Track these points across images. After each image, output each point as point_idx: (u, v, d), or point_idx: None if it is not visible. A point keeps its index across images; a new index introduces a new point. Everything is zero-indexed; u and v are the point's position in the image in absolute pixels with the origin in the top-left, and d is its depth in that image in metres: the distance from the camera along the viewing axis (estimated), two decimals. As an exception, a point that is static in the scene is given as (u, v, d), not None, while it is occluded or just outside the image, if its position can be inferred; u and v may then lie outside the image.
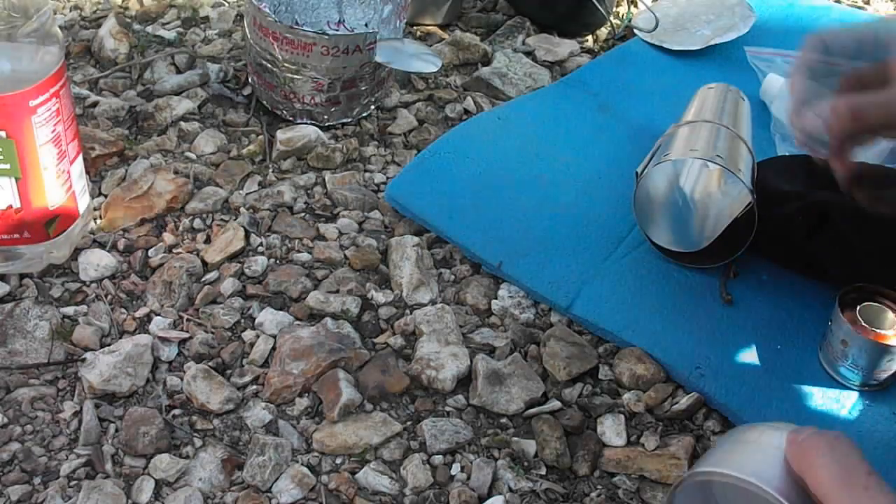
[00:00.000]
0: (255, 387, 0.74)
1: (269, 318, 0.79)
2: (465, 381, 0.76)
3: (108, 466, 0.67)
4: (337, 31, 1.12)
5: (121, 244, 0.85)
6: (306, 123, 1.01)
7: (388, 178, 0.97)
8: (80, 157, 0.81)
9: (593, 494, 0.70)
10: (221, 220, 0.89)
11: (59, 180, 0.77)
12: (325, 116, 1.02)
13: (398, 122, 1.05)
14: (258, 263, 0.84)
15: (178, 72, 1.08)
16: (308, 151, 0.98)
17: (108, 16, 1.14)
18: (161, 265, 0.83)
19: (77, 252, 0.83)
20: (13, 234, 0.77)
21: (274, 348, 0.77)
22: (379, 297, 0.83)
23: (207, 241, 0.87)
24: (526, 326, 0.82)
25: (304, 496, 0.67)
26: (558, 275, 0.85)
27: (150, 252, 0.85)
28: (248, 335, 0.78)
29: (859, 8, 1.48)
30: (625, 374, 0.77)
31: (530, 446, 0.72)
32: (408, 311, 0.82)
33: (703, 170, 0.91)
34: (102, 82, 1.06)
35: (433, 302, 0.83)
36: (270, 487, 0.67)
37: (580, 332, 0.81)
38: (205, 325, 0.79)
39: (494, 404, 0.74)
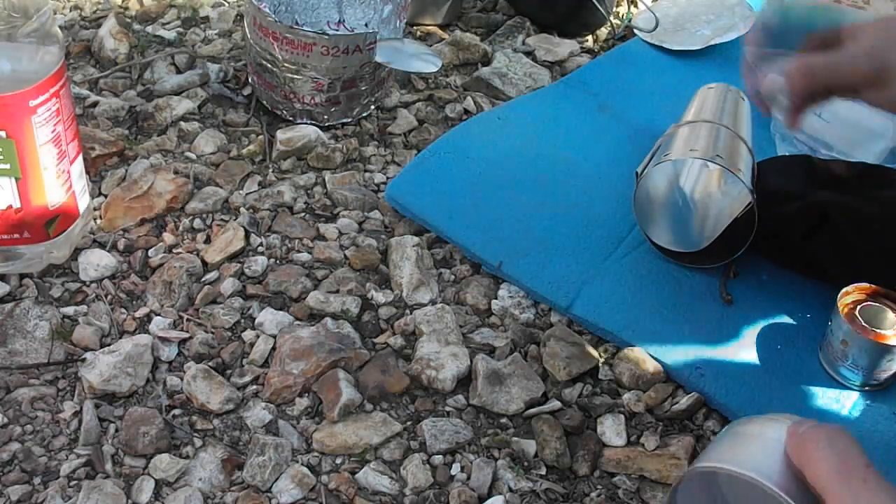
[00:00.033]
0: (255, 387, 0.74)
1: (269, 318, 0.79)
2: (465, 381, 0.76)
3: (108, 466, 0.67)
4: (337, 31, 1.12)
5: (121, 244, 0.85)
6: (306, 123, 1.01)
7: (388, 178, 0.97)
8: (80, 157, 0.81)
9: (593, 494, 0.70)
10: (221, 220, 0.89)
11: (59, 180, 0.77)
12: (325, 116, 1.02)
13: (398, 122, 1.05)
14: (258, 263, 0.84)
15: (178, 72, 1.08)
16: (308, 151, 0.98)
17: (108, 16, 1.14)
18: (161, 265, 0.83)
19: (77, 252, 0.83)
20: (13, 234, 0.77)
21: (274, 348, 0.77)
22: (379, 297, 0.83)
23: (207, 241, 0.87)
24: (526, 326, 0.82)
25: (304, 496, 0.67)
26: (558, 275, 0.85)
27: (150, 252, 0.85)
28: (248, 335, 0.78)
29: (859, 8, 1.48)
30: (625, 374, 0.77)
31: (530, 446, 0.72)
32: (408, 311, 0.82)
33: (703, 170, 0.91)
34: (102, 82, 1.06)
35: (433, 302, 0.83)
36: (270, 487, 0.67)
37: (580, 332, 0.81)
38: (205, 325, 0.79)
39: (494, 404, 0.74)
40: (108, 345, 0.76)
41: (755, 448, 0.42)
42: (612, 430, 0.73)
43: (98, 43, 1.10)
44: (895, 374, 0.76)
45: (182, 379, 0.74)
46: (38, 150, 0.74)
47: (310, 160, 0.98)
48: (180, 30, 1.17)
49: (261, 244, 0.87)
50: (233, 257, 0.85)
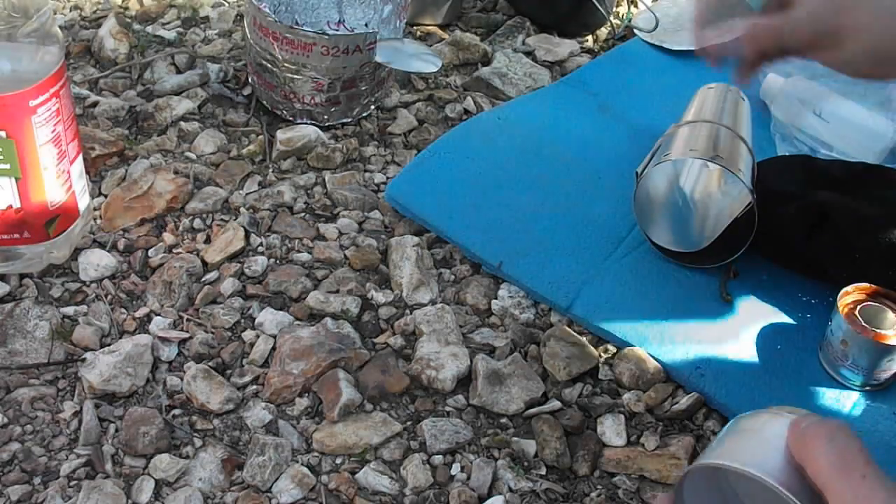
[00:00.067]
0: (255, 387, 0.74)
1: (269, 318, 0.79)
2: (465, 381, 0.76)
3: (108, 466, 0.67)
4: (337, 31, 1.12)
5: (121, 244, 0.85)
6: (306, 123, 1.01)
7: (388, 178, 0.97)
8: (80, 157, 0.81)
9: (593, 494, 0.70)
10: (221, 220, 0.89)
11: (59, 180, 0.77)
12: (325, 116, 1.02)
13: (398, 122, 1.05)
14: (258, 263, 0.84)
15: (178, 72, 1.08)
16: (308, 151, 0.98)
17: (108, 16, 1.14)
18: (161, 265, 0.83)
19: (77, 252, 0.83)
20: (13, 234, 0.77)
21: (274, 348, 0.77)
22: (379, 297, 0.83)
23: (207, 241, 0.87)
24: (526, 326, 0.82)
25: (304, 496, 0.67)
26: (558, 275, 0.85)
27: (150, 252, 0.85)
28: (248, 335, 0.78)
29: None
30: (625, 374, 0.77)
31: (530, 446, 0.72)
32: (408, 311, 0.82)
33: (703, 170, 0.91)
34: (102, 82, 1.06)
35: (433, 302, 0.83)
36: (270, 487, 0.67)
37: (580, 332, 0.81)
38: (205, 325, 0.79)
39: (494, 404, 0.74)
40: (108, 345, 0.76)
41: (757, 444, 0.42)
42: (612, 430, 0.73)
43: (98, 43, 1.10)
44: (895, 375, 0.76)
45: (182, 379, 0.74)
46: (38, 150, 0.74)
47: (310, 160, 0.98)
48: (180, 30, 1.17)
49: (261, 244, 0.87)
50: (233, 257, 0.85)
